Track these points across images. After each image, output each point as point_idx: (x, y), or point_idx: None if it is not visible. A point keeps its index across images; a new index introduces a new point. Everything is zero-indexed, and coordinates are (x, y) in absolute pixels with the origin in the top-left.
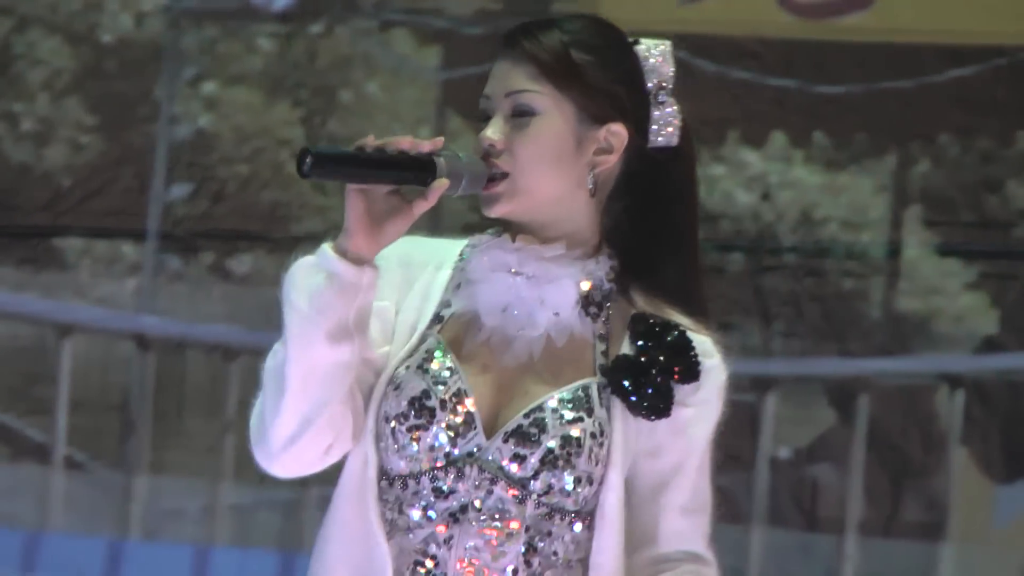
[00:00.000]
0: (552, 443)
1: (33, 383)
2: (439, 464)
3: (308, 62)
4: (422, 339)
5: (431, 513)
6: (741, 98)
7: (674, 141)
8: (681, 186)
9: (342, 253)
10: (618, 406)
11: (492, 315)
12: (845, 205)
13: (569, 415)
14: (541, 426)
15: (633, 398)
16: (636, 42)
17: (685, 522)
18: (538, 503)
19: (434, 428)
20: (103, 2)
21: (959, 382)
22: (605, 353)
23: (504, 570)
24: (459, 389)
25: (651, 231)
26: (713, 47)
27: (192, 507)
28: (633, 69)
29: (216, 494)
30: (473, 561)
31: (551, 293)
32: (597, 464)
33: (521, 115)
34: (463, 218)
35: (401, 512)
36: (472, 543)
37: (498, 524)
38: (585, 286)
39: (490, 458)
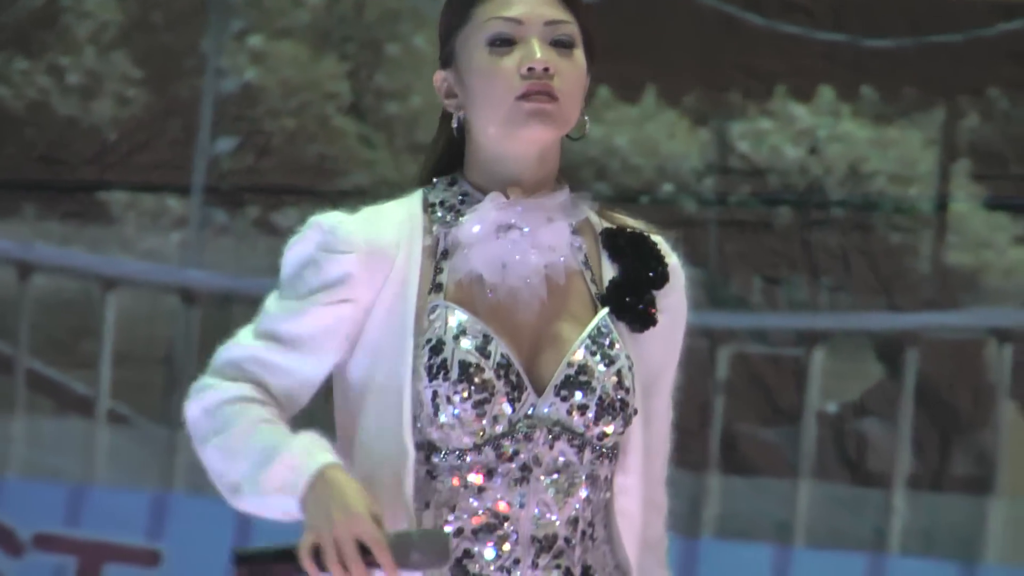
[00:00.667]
0: (605, 386)
1: (78, 337)
2: (500, 431)
3: (355, 15)
4: (431, 310)
5: (496, 476)
6: (789, 52)
7: None
8: None
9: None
10: (623, 329)
11: (494, 272)
12: (893, 159)
13: (610, 354)
14: (589, 372)
15: (634, 318)
16: None
17: (662, 424)
18: (595, 448)
19: (496, 399)
20: None
21: (1008, 336)
22: (592, 280)
23: (568, 520)
24: (503, 354)
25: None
26: (762, 1)
27: None
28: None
29: None
30: (544, 515)
31: (548, 238)
32: (636, 395)
33: (561, 45)
34: None
35: (463, 478)
36: (540, 498)
37: (561, 475)
38: (573, 221)
39: (546, 413)
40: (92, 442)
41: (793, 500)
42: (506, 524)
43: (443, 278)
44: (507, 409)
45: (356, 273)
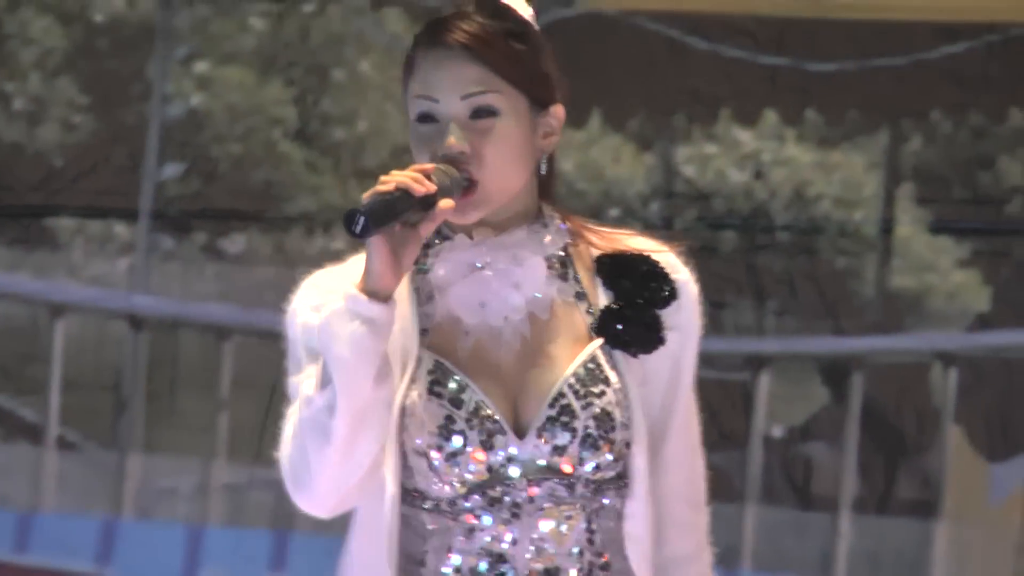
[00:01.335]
0: (587, 425)
1: (26, 363)
2: (483, 478)
3: (301, 41)
4: (418, 360)
5: (487, 519)
6: (734, 76)
7: None
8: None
9: (372, 295)
10: (621, 358)
11: (472, 313)
12: (838, 183)
13: (592, 390)
14: (569, 412)
15: (631, 344)
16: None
17: (680, 441)
18: (587, 483)
19: (469, 449)
20: None
21: (952, 359)
22: (590, 311)
23: (570, 553)
24: (478, 401)
25: (550, 169)
26: (706, 25)
27: (185, 486)
28: (544, 41)
29: (209, 473)
30: (540, 551)
31: (522, 276)
32: (627, 428)
33: (480, 117)
34: None
35: (458, 521)
36: (535, 535)
37: (555, 511)
38: (549, 253)
39: (529, 456)
40: (40, 468)
41: (740, 524)
42: (503, 564)
43: (427, 323)
44: (482, 457)
45: None
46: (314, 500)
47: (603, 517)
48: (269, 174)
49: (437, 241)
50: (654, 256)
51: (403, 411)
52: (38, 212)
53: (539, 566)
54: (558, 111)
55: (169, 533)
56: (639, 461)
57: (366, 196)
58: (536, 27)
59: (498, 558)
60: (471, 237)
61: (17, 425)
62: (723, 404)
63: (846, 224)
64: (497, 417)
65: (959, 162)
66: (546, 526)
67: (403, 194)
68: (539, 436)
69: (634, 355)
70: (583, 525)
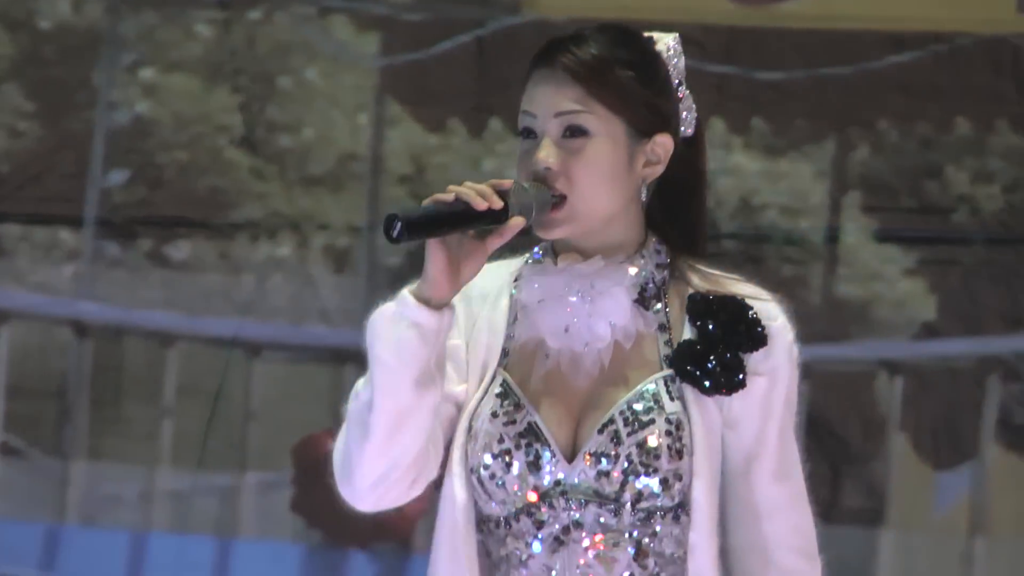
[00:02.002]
0: (630, 451)
1: None
2: (532, 499)
3: (247, 48)
4: (493, 377)
5: (536, 543)
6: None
7: (692, 130)
8: (700, 163)
9: (424, 301)
10: (690, 392)
11: (556, 337)
12: (784, 191)
13: (642, 419)
14: (616, 439)
15: (703, 381)
16: (651, 40)
17: (777, 489)
18: (634, 510)
19: (514, 469)
20: None
21: (898, 368)
22: (668, 343)
23: None
24: (530, 423)
25: (683, 211)
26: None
27: (129, 493)
28: (665, 76)
29: (153, 480)
30: None
31: (604, 305)
32: (681, 458)
33: (573, 136)
34: (402, 205)
35: (511, 548)
36: (582, 560)
37: (601, 537)
38: (636, 286)
39: (576, 482)
40: None
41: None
42: None
43: (509, 344)
44: (529, 479)
45: (459, 316)
46: (354, 492)
47: (658, 544)
48: (215, 181)
49: (535, 262)
50: (750, 301)
51: (469, 430)
52: None
53: None
54: (664, 140)
55: (113, 540)
56: (700, 495)
57: (426, 201)
58: (668, 56)
59: None
60: (555, 262)
61: None
62: None
63: (792, 233)
64: (548, 439)
65: (906, 171)
66: (592, 552)
67: (462, 206)
68: (586, 461)
69: (707, 393)
70: (631, 552)
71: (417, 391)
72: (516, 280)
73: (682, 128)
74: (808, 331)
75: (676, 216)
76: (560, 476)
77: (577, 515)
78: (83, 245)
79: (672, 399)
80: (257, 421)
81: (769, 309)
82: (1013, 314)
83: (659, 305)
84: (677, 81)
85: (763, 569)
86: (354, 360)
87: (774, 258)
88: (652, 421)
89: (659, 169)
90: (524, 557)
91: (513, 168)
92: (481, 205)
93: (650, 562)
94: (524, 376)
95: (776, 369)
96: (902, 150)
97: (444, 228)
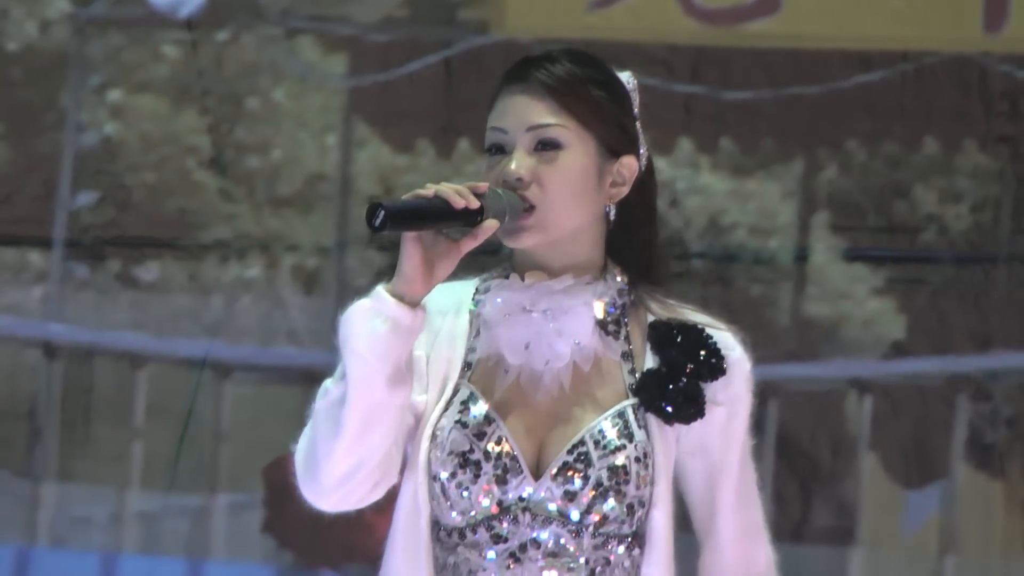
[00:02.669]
0: (600, 475)
1: None
2: (493, 511)
3: (215, 69)
4: (455, 390)
5: (491, 556)
6: (648, 105)
7: (644, 164)
8: (651, 198)
9: (399, 297)
10: (653, 421)
11: (516, 354)
12: (753, 211)
13: (612, 444)
14: (586, 460)
15: (667, 409)
16: None
17: (739, 518)
18: (594, 534)
19: (482, 481)
20: (8, 9)
21: (867, 387)
22: (632, 371)
23: None
24: (499, 437)
25: (638, 241)
26: (620, 54)
27: (100, 514)
28: (630, 102)
29: (124, 501)
30: None
31: (568, 323)
32: (645, 486)
33: (545, 149)
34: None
35: (463, 557)
36: None
37: (558, 559)
38: (599, 308)
39: (541, 498)
40: None
41: None
42: None
43: (472, 357)
44: (495, 491)
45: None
46: (319, 490)
47: (610, 571)
48: (183, 202)
49: (496, 280)
50: (709, 330)
51: (432, 437)
52: None
53: None
54: (630, 163)
55: (83, 562)
56: (660, 523)
57: (406, 196)
58: (629, 89)
59: None
60: (523, 279)
61: None
62: None
63: (761, 252)
64: (516, 455)
65: (874, 191)
66: (546, 573)
67: (441, 203)
68: (553, 479)
69: (668, 423)
70: None
71: (389, 387)
72: (476, 296)
73: (642, 159)
74: (777, 350)
75: (632, 246)
76: (526, 491)
77: (536, 533)
78: (52, 267)
79: (639, 427)
80: (227, 442)
81: (726, 339)
82: (982, 333)
83: (622, 332)
84: (636, 113)
85: None
86: (324, 381)
87: (743, 278)
88: (623, 446)
89: (624, 191)
90: (475, 568)
91: None
92: (459, 203)
93: None
94: (487, 389)
95: (736, 399)
96: (870, 170)
97: (422, 223)
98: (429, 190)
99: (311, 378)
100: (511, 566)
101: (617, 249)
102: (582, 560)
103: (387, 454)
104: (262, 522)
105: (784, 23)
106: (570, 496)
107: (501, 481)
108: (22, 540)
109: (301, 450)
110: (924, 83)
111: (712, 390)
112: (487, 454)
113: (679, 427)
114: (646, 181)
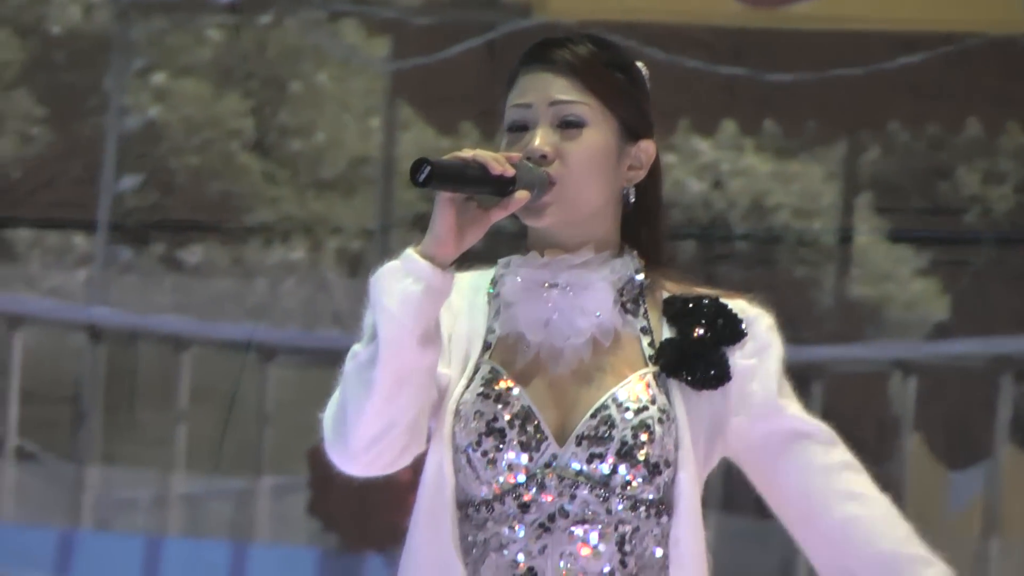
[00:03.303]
0: (624, 435)
1: None
2: (519, 480)
3: (257, 53)
4: (476, 367)
5: (520, 528)
6: (692, 87)
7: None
8: (660, 182)
9: (429, 258)
10: (676, 388)
11: (535, 331)
12: (796, 193)
13: (634, 406)
14: (609, 422)
15: (690, 376)
16: None
17: (807, 444)
18: (622, 497)
19: (507, 448)
20: None
21: (911, 368)
22: (651, 344)
23: (601, 572)
24: (523, 406)
25: (649, 225)
26: (663, 36)
27: (143, 497)
28: (647, 89)
29: (168, 484)
30: (569, 566)
31: (588, 299)
32: (669, 448)
33: (569, 126)
34: (414, 208)
35: (492, 532)
36: (566, 549)
37: (587, 527)
38: (618, 284)
39: (567, 464)
40: None
41: None
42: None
43: (492, 338)
44: (520, 459)
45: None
46: (348, 453)
47: (639, 541)
48: (227, 185)
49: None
50: (723, 300)
51: (456, 412)
52: None
53: None
54: (648, 147)
55: (128, 544)
56: (687, 487)
57: (446, 156)
58: (645, 77)
59: (528, 571)
60: (542, 256)
61: None
62: None
63: (804, 234)
64: (540, 421)
65: (917, 172)
66: (577, 541)
67: (478, 167)
68: (578, 444)
69: (694, 387)
70: (615, 546)
71: (421, 348)
72: (494, 281)
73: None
74: (821, 332)
75: (643, 229)
76: (550, 458)
77: (564, 502)
78: (95, 250)
79: (660, 392)
80: (272, 425)
81: (743, 305)
82: None
83: (641, 309)
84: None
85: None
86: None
87: (786, 259)
88: (645, 408)
89: (641, 174)
90: (505, 541)
91: None
92: (496, 169)
93: (631, 561)
94: (508, 365)
95: (761, 348)
96: (913, 151)
97: (460, 185)
98: (468, 153)
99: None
100: (541, 536)
101: (629, 233)
102: (611, 528)
103: (416, 417)
104: (307, 504)
105: (827, 5)
106: (595, 458)
107: (526, 447)
108: (67, 523)
109: (330, 415)
110: (967, 65)
111: (736, 353)
112: (511, 422)
113: (711, 395)
114: (654, 169)
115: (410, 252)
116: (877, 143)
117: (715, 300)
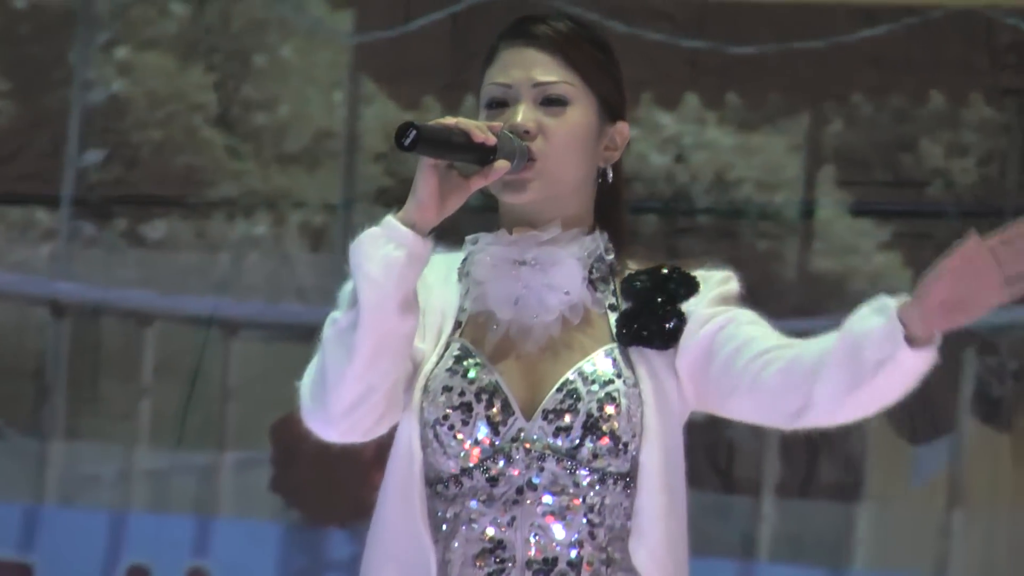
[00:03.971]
0: (590, 407)
1: None
2: (486, 455)
3: (221, 26)
4: (446, 345)
5: (489, 501)
6: (654, 60)
7: None
8: (623, 172)
9: (411, 225)
10: (641, 362)
11: (505, 309)
12: (759, 166)
13: (600, 378)
14: (575, 395)
15: (649, 336)
16: None
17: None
18: (590, 470)
19: (474, 422)
20: None
21: None
22: (618, 321)
23: (570, 544)
24: (491, 381)
25: (616, 205)
26: (626, 9)
27: (108, 472)
28: (620, 70)
29: (132, 459)
30: (538, 539)
31: (557, 275)
32: (635, 420)
33: (552, 103)
34: (377, 182)
35: (462, 506)
36: (535, 521)
37: (555, 499)
38: (587, 261)
39: (535, 437)
40: None
41: None
42: (502, 549)
43: (462, 316)
44: (485, 431)
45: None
46: (327, 418)
47: (607, 514)
48: (190, 160)
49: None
50: (676, 266)
51: (424, 388)
52: None
53: (538, 555)
54: (623, 128)
55: (92, 519)
56: (650, 458)
57: (431, 122)
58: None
59: (498, 544)
60: (510, 233)
61: None
62: None
63: (767, 207)
64: (507, 395)
65: (880, 145)
66: (545, 514)
67: (461, 134)
68: (544, 418)
69: (655, 347)
70: (584, 518)
71: (401, 314)
72: (464, 260)
73: None
74: (783, 305)
75: (611, 209)
76: (517, 432)
77: (532, 475)
78: (59, 224)
79: (626, 365)
80: (235, 400)
81: (703, 272)
82: None
83: (610, 287)
84: None
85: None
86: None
87: (749, 233)
88: (611, 380)
89: (616, 155)
90: (475, 515)
91: None
92: (479, 136)
93: (600, 532)
94: (478, 344)
95: (716, 292)
96: (876, 123)
97: (444, 151)
98: (451, 120)
99: (318, 335)
100: (510, 508)
101: (602, 212)
102: (579, 501)
103: (394, 384)
104: (270, 480)
105: None
106: (562, 431)
107: (492, 422)
108: (30, 498)
109: (308, 381)
110: (930, 36)
111: (691, 304)
112: (478, 397)
113: (670, 358)
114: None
115: (391, 218)
116: (840, 116)
117: (666, 264)
